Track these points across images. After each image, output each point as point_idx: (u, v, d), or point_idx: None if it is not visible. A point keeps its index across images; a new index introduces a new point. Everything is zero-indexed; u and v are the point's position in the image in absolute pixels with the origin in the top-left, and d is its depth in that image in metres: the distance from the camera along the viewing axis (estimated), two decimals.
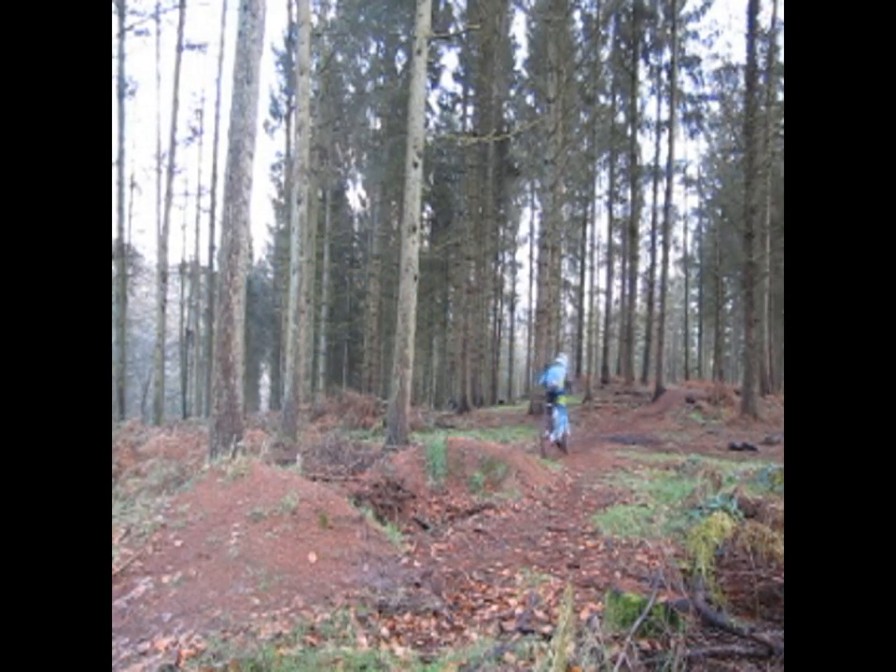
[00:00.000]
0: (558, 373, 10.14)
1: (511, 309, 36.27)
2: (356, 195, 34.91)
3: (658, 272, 22.54)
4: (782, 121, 23.84)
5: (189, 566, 3.37)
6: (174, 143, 19.43)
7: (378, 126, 26.18)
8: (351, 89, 25.11)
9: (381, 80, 24.34)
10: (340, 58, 23.93)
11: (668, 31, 21.65)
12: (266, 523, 3.90)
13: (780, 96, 23.54)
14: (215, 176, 23.56)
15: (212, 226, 24.63)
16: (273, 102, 26.55)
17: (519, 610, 3.19)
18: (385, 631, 2.95)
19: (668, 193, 21.26)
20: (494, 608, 3.28)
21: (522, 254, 36.55)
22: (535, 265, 27.88)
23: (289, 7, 22.51)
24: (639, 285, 25.95)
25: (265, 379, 42.33)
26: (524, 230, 33.04)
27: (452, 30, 21.60)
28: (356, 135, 26.29)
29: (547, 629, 2.83)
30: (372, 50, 24.61)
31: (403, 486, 5.77)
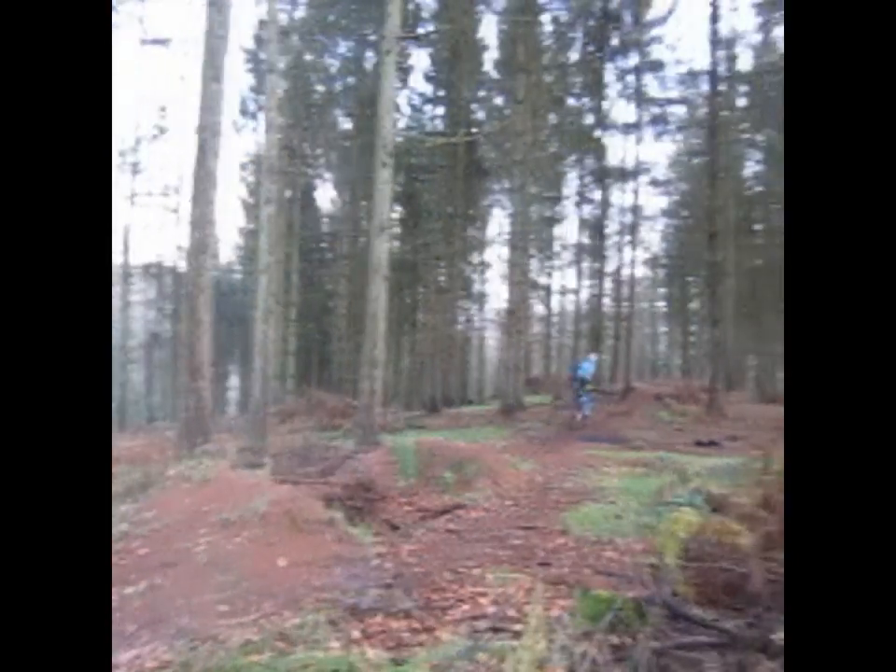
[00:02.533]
0: (588, 368, 13.38)
1: (481, 309, 36.38)
2: (325, 195, 34.73)
3: (626, 271, 22.88)
4: (744, 126, 24.41)
5: (154, 574, 3.31)
6: (137, 140, 19.04)
7: (348, 126, 26.02)
8: (320, 88, 24.90)
9: (350, 80, 24.18)
10: (309, 57, 23.72)
11: (635, 36, 21.97)
12: (234, 528, 3.85)
13: (741, 102, 24.10)
14: (181, 175, 23.17)
15: (178, 226, 24.22)
16: (242, 101, 26.18)
17: (490, 609, 3.20)
18: (356, 634, 2.93)
19: (636, 194, 21.60)
20: (465, 607, 3.29)
21: (491, 254, 36.80)
22: (504, 265, 28.00)
23: (257, 4, 22.27)
24: (608, 284, 26.20)
25: (234, 381, 41.73)
26: (493, 230, 33.14)
27: (421, 30, 21.59)
28: (325, 135, 26.09)
29: (518, 627, 2.84)
30: (342, 50, 24.46)
31: (374, 487, 5.76)
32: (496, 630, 2.88)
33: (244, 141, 58.68)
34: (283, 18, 17.96)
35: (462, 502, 5.93)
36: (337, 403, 15.72)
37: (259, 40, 23.75)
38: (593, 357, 14.97)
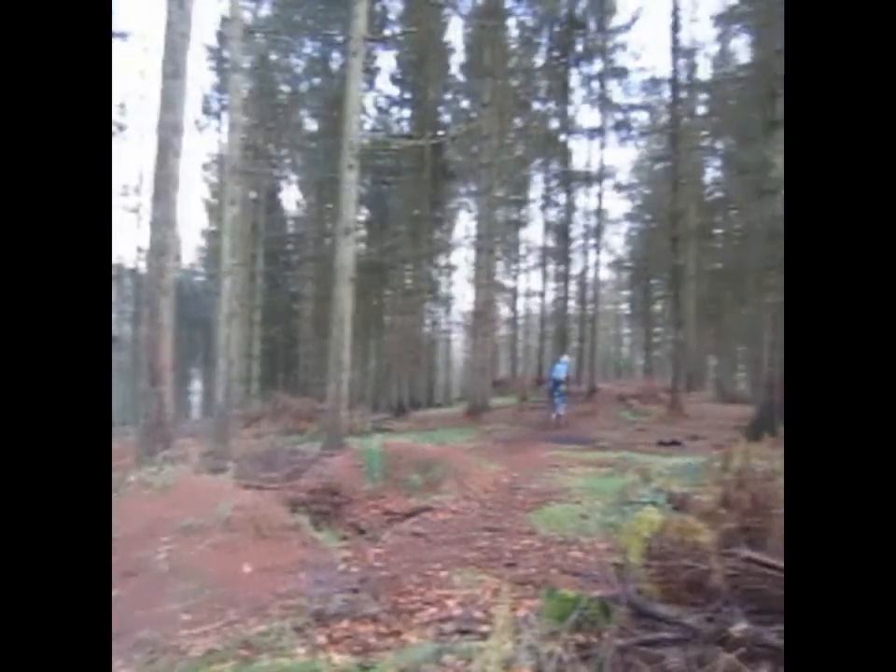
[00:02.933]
0: (561, 370, 14.60)
1: (448, 311, 36.43)
2: (290, 197, 34.32)
3: (591, 274, 23.16)
4: (703, 133, 24.98)
5: (112, 585, 3.23)
6: None
7: (313, 127, 25.80)
8: (285, 88, 24.64)
9: (316, 81, 23.99)
10: (274, 57, 23.44)
11: (599, 42, 22.29)
12: (197, 535, 3.78)
13: (701, 109, 24.65)
14: (141, 175, 22.66)
15: (138, 226, 23.67)
16: (205, 99, 25.73)
17: (457, 611, 3.21)
18: (322, 639, 2.91)
19: (600, 198, 21.89)
20: (432, 610, 3.29)
21: (458, 256, 36.86)
22: (471, 267, 28.09)
23: (220, 0, 21.95)
24: (573, 287, 26.49)
25: (197, 385, 40.96)
26: (459, 232, 33.24)
27: (388, 32, 21.55)
28: (290, 136, 25.82)
29: (485, 629, 2.86)
30: (308, 50, 24.23)
31: (340, 491, 5.71)
32: (463, 632, 2.89)
33: (206, 140, 57.64)
34: (247, 16, 17.73)
35: (429, 505, 5.92)
36: (302, 407, 15.55)
37: (221, 37, 23.41)
38: (565, 358, 15.90)
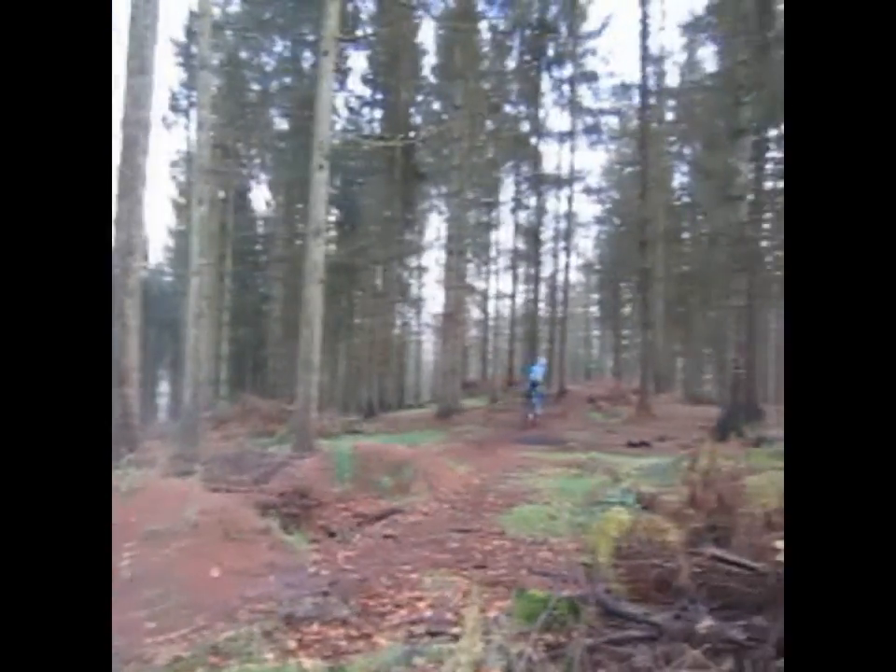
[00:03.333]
0: (538, 371, 14.91)
1: (418, 313, 36.39)
2: (260, 196, 33.90)
3: (561, 277, 23.37)
4: (672, 139, 25.43)
5: None
6: None
7: (284, 127, 25.53)
8: (255, 87, 24.35)
9: (287, 80, 23.75)
10: (244, 54, 23.16)
11: (570, 47, 22.53)
12: (163, 540, 3.71)
13: (669, 116, 25.09)
14: None
15: None
16: (173, 96, 25.27)
17: (428, 613, 3.21)
18: (292, 644, 2.88)
19: (570, 201, 22.13)
20: (403, 612, 3.28)
21: (428, 258, 36.82)
22: (441, 269, 28.13)
23: None
24: (543, 289, 26.67)
25: (164, 387, 40.20)
26: (430, 234, 33.23)
27: (360, 33, 21.45)
28: (260, 135, 25.52)
29: (456, 630, 2.86)
30: (278, 49, 23.97)
31: (310, 494, 5.66)
32: (433, 634, 2.89)
33: (174, 138, 56.56)
34: (216, 12, 17.49)
35: (399, 506, 5.91)
36: (272, 408, 15.38)
37: (190, 33, 23.04)
38: (542, 360, 16.61)
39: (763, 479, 4.06)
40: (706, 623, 2.29)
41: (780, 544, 2.59)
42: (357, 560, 4.38)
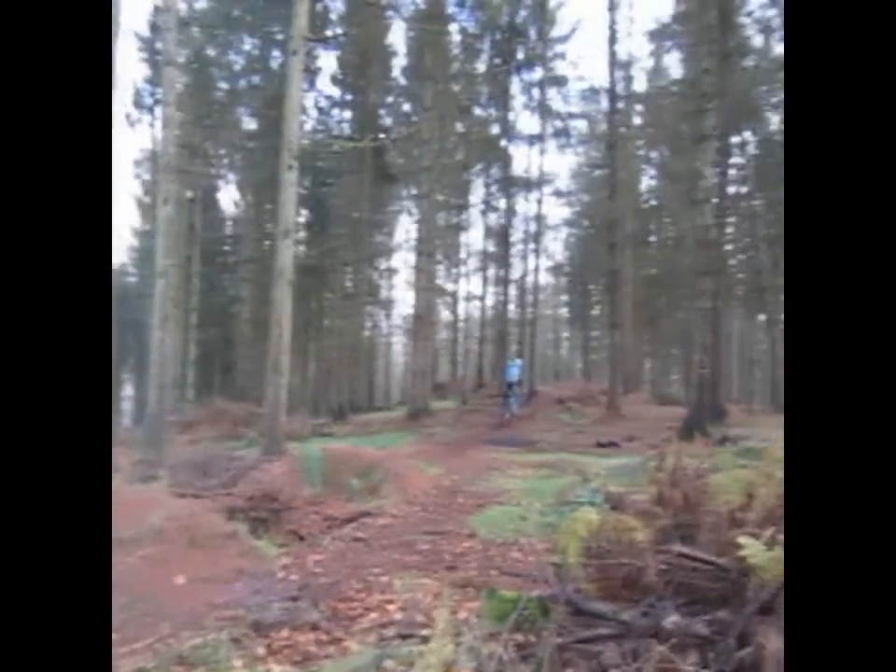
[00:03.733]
0: (514, 372, 15.47)
1: (388, 315, 36.28)
2: (228, 197, 33.45)
3: (530, 279, 23.54)
4: (639, 143, 25.83)
5: None
6: None
7: (252, 126, 25.24)
8: (223, 85, 24.02)
9: (255, 79, 23.48)
10: (211, 52, 22.82)
11: (539, 51, 22.73)
12: (127, 547, 3.63)
13: (637, 120, 25.50)
14: None
15: None
16: (137, 92, 24.76)
17: (398, 616, 3.20)
18: (261, 651, 2.84)
19: (540, 203, 22.31)
20: (373, 615, 3.26)
21: (398, 260, 36.69)
22: (411, 271, 28.10)
23: None
24: (512, 291, 26.82)
25: (128, 391, 39.37)
26: (400, 236, 33.19)
27: (330, 33, 21.32)
28: (228, 134, 25.17)
29: (426, 632, 2.86)
30: (247, 47, 23.66)
31: (279, 497, 5.60)
32: (404, 637, 2.88)
33: (138, 136, 55.44)
34: (182, 7, 17.17)
35: (369, 509, 5.88)
36: (240, 412, 15.18)
37: (154, 28, 22.60)
38: (518, 361, 16.84)
39: (727, 477, 4.14)
40: (672, 619, 2.33)
41: (744, 540, 2.65)
42: (326, 564, 4.35)
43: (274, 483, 6.15)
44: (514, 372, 15.49)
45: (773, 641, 2.00)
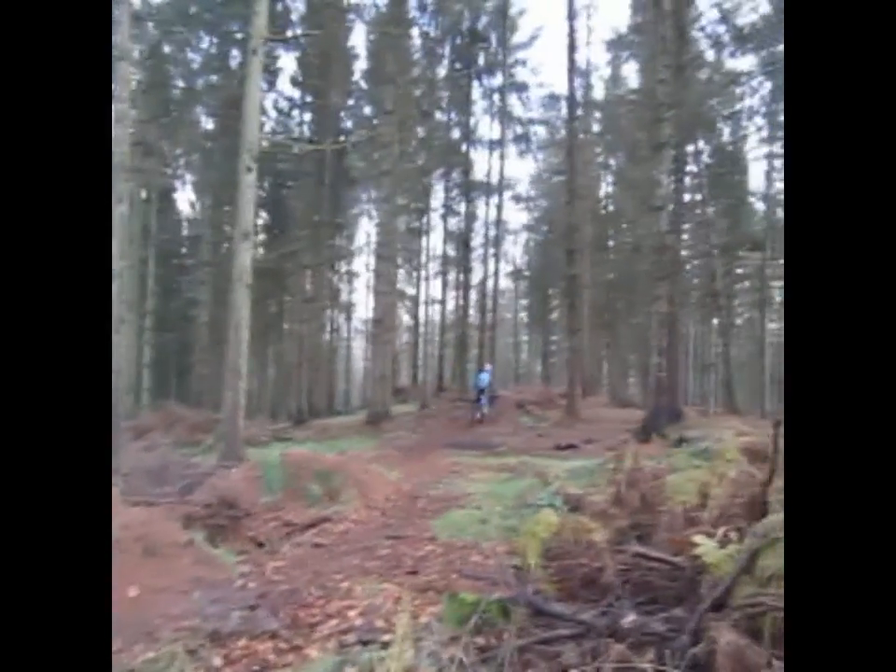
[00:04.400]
0: (484, 378, 16.55)
1: (348, 319, 36.05)
2: (185, 198, 32.82)
3: (490, 283, 23.69)
4: (598, 150, 26.30)
5: None
6: None
7: (210, 126, 24.80)
8: (180, 83, 23.53)
9: (214, 78, 23.07)
10: (167, 49, 22.33)
11: (500, 57, 22.95)
12: None
13: (596, 127, 25.97)
14: None
15: None
16: None
17: (359, 622, 3.18)
18: (217, 661, 2.79)
19: (500, 209, 22.49)
20: (333, 622, 3.24)
21: (359, 263, 36.45)
22: (371, 275, 27.96)
23: None
24: (473, 295, 26.96)
25: None
26: (360, 239, 33.06)
27: (290, 33, 21.10)
28: (185, 134, 24.65)
29: (387, 638, 2.85)
30: (205, 45, 23.24)
31: (237, 504, 5.50)
32: (364, 642, 2.86)
33: None
34: (135, 1, 16.75)
35: (329, 515, 5.83)
36: (197, 417, 14.85)
37: None
38: (488, 367, 18.15)
39: (682, 477, 4.25)
40: (629, 618, 2.38)
41: (698, 539, 2.72)
42: (286, 571, 4.29)
43: (233, 489, 6.03)
44: (485, 378, 16.57)
45: (725, 636, 2.06)
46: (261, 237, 26.00)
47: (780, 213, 25.08)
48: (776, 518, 2.52)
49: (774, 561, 2.31)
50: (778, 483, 3.12)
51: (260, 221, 25.06)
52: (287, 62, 44.45)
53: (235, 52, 22.52)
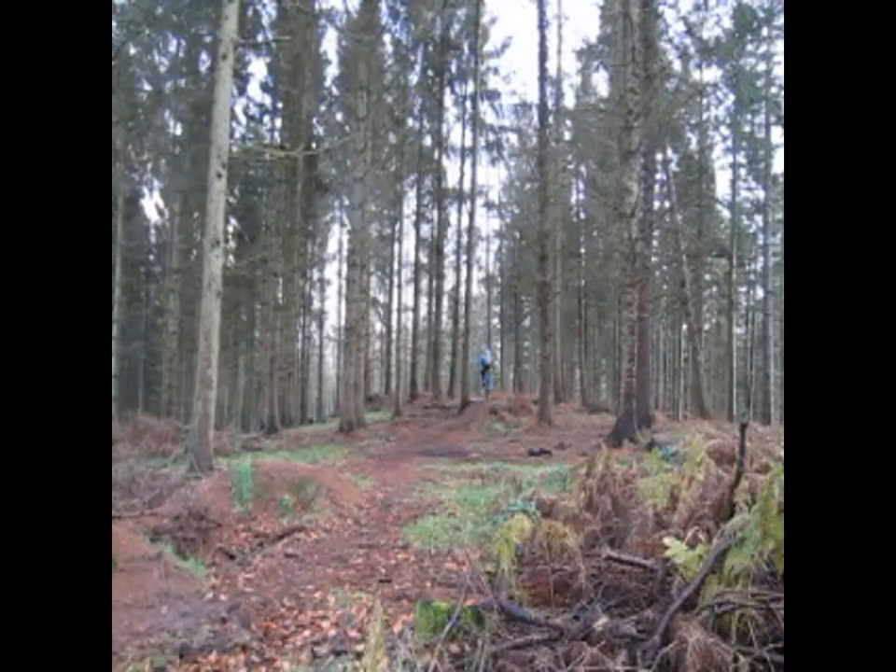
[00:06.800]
0: (487, 357, 21.02)
1: (320, 326, 35.83)
2: (152, 204, 32.34)
3: (462, 290, 23.74)
4: (569, 157, 26.60)
5: None
6: None
7: (179, 131, 24.49)
8: (147, 87, 23.19)
9: (182, 82, 22.79)
10: (133, 50, 21.99)
11: (472, 64, 23.13)
12: None
13: (567, 135, 26.28)
14: None
15: None
16: None
17: (332, 632, 3.15)
18: None
19: (472, 215, 22.56)
20: (306, 633, 3.20)
21: (331, 271, 36.24)
22: (344, 282, 27.86)
23: None
24: (445, 302, 26.97)
25: None
26: (332, 246, 33.11)
27: (261, 38, 20.96)
28: (153, 139, 24.31)
29: (361, 647, 2.82)
30: (173, 48, 22.97)
31: (207, 516, 5.40)
32: (338, 653, 2.84)
33: None
34: None
35: (301, 525, 5.76)
36: (166, 428, 14.56)
37: None
38: (486, 348, 23.08)
39: (653, 481, 4.30)
40: (602, 622, 2.40)
41: (668, 541, 2.76)
42: (257, 582, 4.23)
43: (202, 500, 5.93)
44: (487, 357, 20.30)
45: (693, 635, 2.09)
46: (232, 244, 25.72)
47: (745, 220, 25.69)
48: (742, 518, 2.57)
49: (740, 560, 2.35)
50: (744, 484, 3.19)
51: (231, 228, 24.80)
52: (258, 67, 44.22)
53: (205, 56, 22.29)
